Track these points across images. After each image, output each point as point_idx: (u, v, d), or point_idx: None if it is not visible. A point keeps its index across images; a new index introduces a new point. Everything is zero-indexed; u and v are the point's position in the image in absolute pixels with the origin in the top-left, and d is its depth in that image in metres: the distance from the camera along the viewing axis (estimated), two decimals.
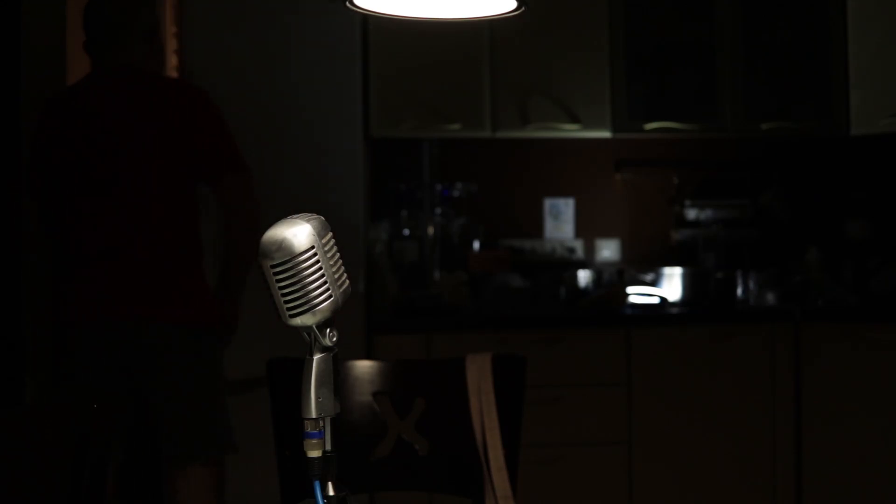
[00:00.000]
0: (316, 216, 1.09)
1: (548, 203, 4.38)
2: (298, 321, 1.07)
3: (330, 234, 1.09)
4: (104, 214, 2.73)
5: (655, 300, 4.07)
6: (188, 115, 2.74)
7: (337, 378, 1.11)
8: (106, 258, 2.72)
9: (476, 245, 4.28)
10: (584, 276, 4.22)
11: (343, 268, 1.10)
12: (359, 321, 3.54)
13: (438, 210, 4.25)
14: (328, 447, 1.10)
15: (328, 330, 1.09)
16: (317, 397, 1.09)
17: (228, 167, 2.77)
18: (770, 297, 4.08)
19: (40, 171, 2.81)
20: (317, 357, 1.10)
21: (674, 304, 4.10)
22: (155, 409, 2.77)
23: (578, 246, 4.36)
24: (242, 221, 2.77)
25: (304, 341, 1.10)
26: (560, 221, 4.37)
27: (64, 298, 2.78)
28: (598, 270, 4.29)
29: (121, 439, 2.77)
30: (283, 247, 1.05)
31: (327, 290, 1.07)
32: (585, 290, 4.16)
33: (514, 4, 1.28)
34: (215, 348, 2.82)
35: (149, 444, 2.86)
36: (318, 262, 1.06)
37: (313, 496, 1.10)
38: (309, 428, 1.10)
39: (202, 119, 2.76)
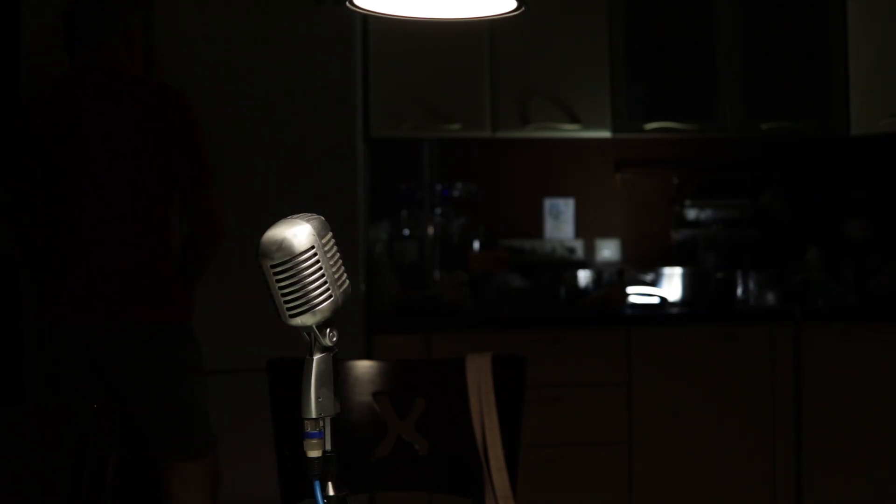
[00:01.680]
0: (316, 216, 1.09)
1: (548, 203, 4.38)
2: (298, 321, 1.07)
3: (330, 234, 1.09)
4: (77, 214, 2.75)
5: (655, 300, 4.07)
6: (165, 120, 2.75)
7: (337, 378, 1.11)
8: (78, 257, 2.75)
9: (476, 245, 4.28)
10: (584, 276, 4.22)
11: (343, 268, 1.10)
12: (359, 321, 3.54)
13: (438, 210, 4.25)
14: (328, 447, 1.10)
15: (328, 330, 1.09)
16: (317, 397, 1.09)
17: (199, 177, 2.81)
18: (770, 297, 4.08)
19: (23, 169, 2.84)
20: (317, 357, 1.10)
21: (674, 304, 4.09)
22: (133, 409, 2.78)
23: (578, 246, 4.36)
24: (210, 226, 2.85)
25: (304, 341, 1.10)
26: (560, 221, 4.37)
27: (43, 296, 2.82)
28: (598, 270, 4.29)
29: (118, 438, 2.78)
30: (283, 247, 1.05)
31: (327, 290, 1.07)
32: (585, 290, 4.15)
33: (514, 4, 1.28)
34: (186, 345, 2.83)
35: (137, 443, 2.86)
36: (318, 262, 1.06)
37: (313, 496, 1.10)
38: (309, 428, 1.10)
39: (180, 127, 2.77)
